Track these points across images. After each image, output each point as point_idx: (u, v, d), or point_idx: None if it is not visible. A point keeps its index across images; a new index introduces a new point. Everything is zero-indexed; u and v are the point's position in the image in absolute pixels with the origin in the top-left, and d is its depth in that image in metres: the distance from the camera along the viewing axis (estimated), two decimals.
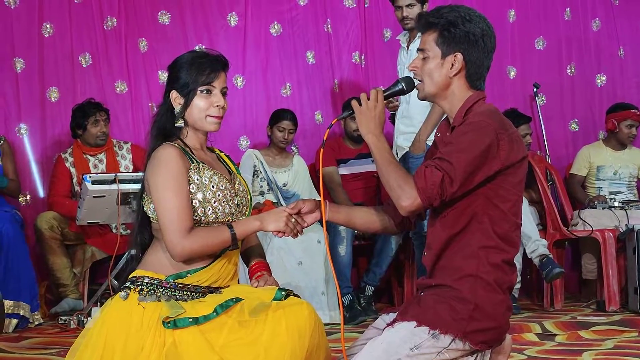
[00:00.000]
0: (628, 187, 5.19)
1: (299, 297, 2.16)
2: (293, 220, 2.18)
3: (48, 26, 4.96)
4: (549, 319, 4.11)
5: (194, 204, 2.14)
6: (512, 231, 2.08)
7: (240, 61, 5.26)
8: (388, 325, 2.09)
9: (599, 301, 4.67)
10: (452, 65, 2.10)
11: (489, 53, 2.12)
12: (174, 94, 2.21)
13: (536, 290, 5.07)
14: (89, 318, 3.95)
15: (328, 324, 4.10)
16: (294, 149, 5.25)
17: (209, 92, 2.20)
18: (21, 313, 3.99)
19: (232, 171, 2.33)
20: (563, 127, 5.71)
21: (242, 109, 5.26)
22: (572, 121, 5.72)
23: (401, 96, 3.46)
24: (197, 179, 2.16)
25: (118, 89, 5.08)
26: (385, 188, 2.04)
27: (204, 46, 5.18)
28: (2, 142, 4.45)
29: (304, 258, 4.30)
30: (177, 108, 2.21)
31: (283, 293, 2.12)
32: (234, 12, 5.29)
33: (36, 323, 4.09)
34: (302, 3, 5.40)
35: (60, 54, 4.98)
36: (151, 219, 2.19)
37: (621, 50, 5.81)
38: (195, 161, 2.19)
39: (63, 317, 4.08)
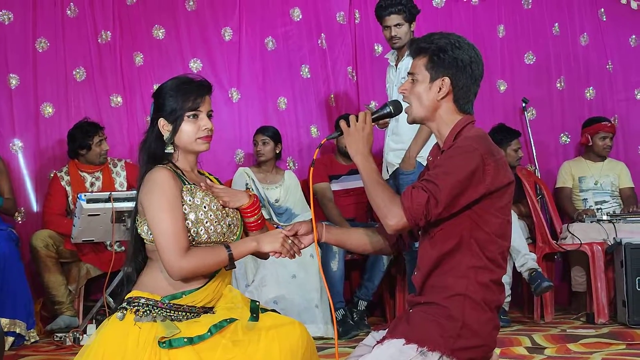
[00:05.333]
0: (612, 197, 5.25)
1: (277, 312, 2.23)
2: (290, 241, 2.25)
3: (42, 41, 4.97)
4: (539, 331, 4.14)
5: (186, 225, 2.18)
6: (499, 253, 2.13)
7: (234, 75, 5.30)
8: (378, 342, 2.14)
9: (588, 314, 4.71)
10: (440, 89, 2.16)
11: (477, 80, 2.18)
12: (161, 122, 2.26)
13: (527, 303, 5.11)
14: (84, 335, 3.98)
15: (321, 337, 4.13)
16: (289, 162, 5.29)
17: (195, 116, 2.26)
18: (17, 331, 3.99)
19: None
20: (554, 140, 5.77)
21: (237, 123, 5.29)
22: (562, 134, 5.78)
23: None
24: (190, 200, 2.21)
25: (113, 103, 5.09)
26: (373, 207, 2.10)
27: (199, 60, 5.23)
28: None
29: (298, 271, 4.32)
30: (166, 135, 2.26)
31: (257, 303, 2.19)
32: (228, 27, 5.33)
33: (32, 340, 4.08)
34: (295, 19, 5.46)
35: (54, 69, 4.97)
36: (145, 241, 2.23)
37: (609, 64, 5.88)
38: (187, 183, 2.24)
39: (59, 335, 4.09)
